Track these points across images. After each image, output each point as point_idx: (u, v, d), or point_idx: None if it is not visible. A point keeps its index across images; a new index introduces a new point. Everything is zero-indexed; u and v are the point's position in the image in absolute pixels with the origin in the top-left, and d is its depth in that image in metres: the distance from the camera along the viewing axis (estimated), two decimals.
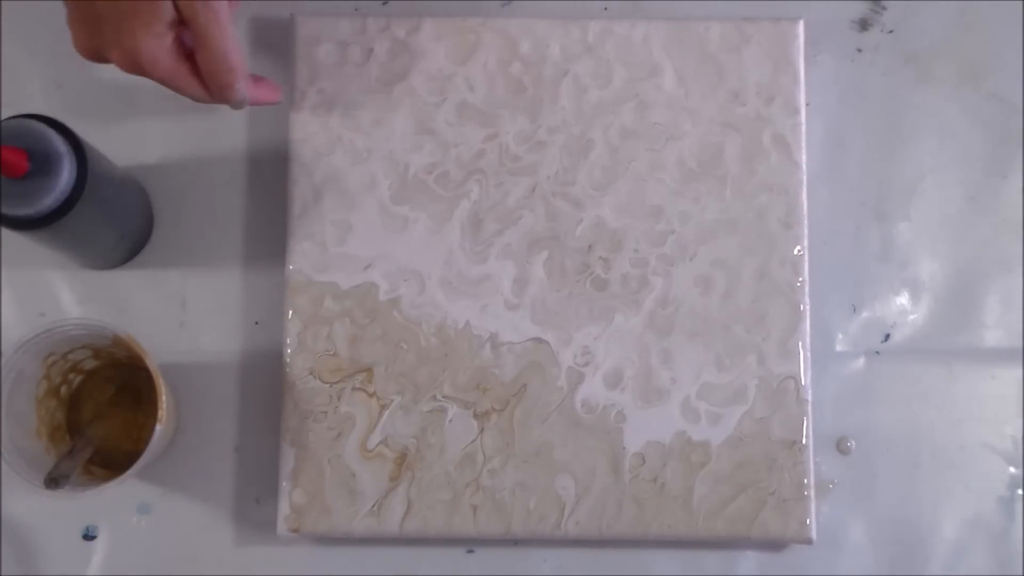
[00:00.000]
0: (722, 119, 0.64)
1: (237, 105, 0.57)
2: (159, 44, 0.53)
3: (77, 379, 0.63)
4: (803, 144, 0.64)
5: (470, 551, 0.64)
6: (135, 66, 0.54)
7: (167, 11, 0.52)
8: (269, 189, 0.66)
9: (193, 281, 0.65)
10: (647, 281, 0.63)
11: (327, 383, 0.62)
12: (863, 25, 0.68)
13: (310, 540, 0.63)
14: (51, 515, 0.63)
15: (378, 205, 0.63)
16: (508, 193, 0.63)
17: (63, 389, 0.62)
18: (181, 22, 0.53)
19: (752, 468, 0.61)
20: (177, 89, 0.56)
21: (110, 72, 0.67)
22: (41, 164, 0.55)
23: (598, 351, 0.62)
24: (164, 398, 0.57)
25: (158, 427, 0.57)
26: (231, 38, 0.54)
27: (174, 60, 0.54)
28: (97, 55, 0.55)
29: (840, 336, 0.66)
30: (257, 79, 0.59)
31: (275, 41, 0.66)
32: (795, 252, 0.63)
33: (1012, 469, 0.65)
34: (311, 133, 0.64)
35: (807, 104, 0.65)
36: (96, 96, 0.67)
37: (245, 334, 0.65)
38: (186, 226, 0.66)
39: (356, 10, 0.68)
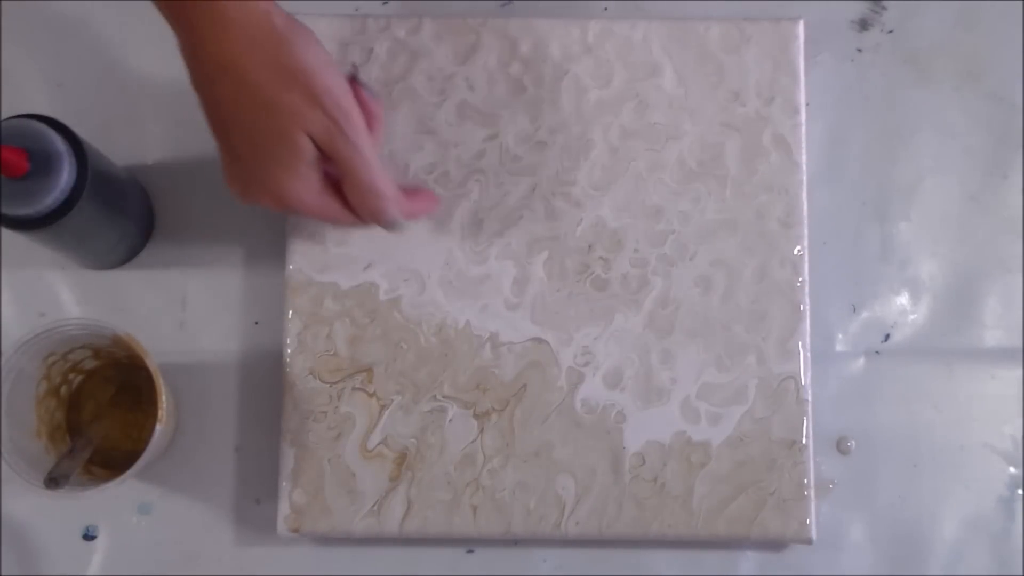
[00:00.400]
0: (722, 119, 0.64)
1: (391, 229, 0.57)
2: (304, 185, 0.53)
3: (77, 379, 0.63)
4: (803, 144, 0.64)
5: (470, 551, 0.64)
6: (285, 207, 0.54)
7: (308, 151, 0.52)
8: None
9: (193, 281, 0.65)
10: (647, 281, 0.63)
11: (327, 383, 0.62)
12: (863, 25, 0.68)
13: (310, 540, 0.64)
14: (51, 515, 0.63)
15: None
16: (508, 193, 0.63)
17: (63, 389, 0.62)
18: (324, 157, 0.53)
19: (752, 468, 0.61)
20: (329, 222, 0.56)
21: (110, 72, 0.67)
22: (41, 164, 0.55)
23: (598, 351, 0.62)
24: (164, 398, 0.57)
25: (158, 427, 0.57)
26: (376, 167, 0.54)
27: (321, 197, 0.54)
28: (250, 198, 0.55)
29: (840, 336, 0.66)
30: (411, 192, 0.59)
31: None
32: (795, 252, 0.63)
33: (1012, 469, 0.65)
34: None
35: (807, 104, 0.65)
36: (96, 96, 0.67)
37: (245, 334, 0.65)
38: (186, 226, 0.66)
39: (356, 10, 0.68)
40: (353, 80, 0.55)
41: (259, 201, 0.55)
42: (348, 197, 0.54)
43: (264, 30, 0.50)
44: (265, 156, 0.52)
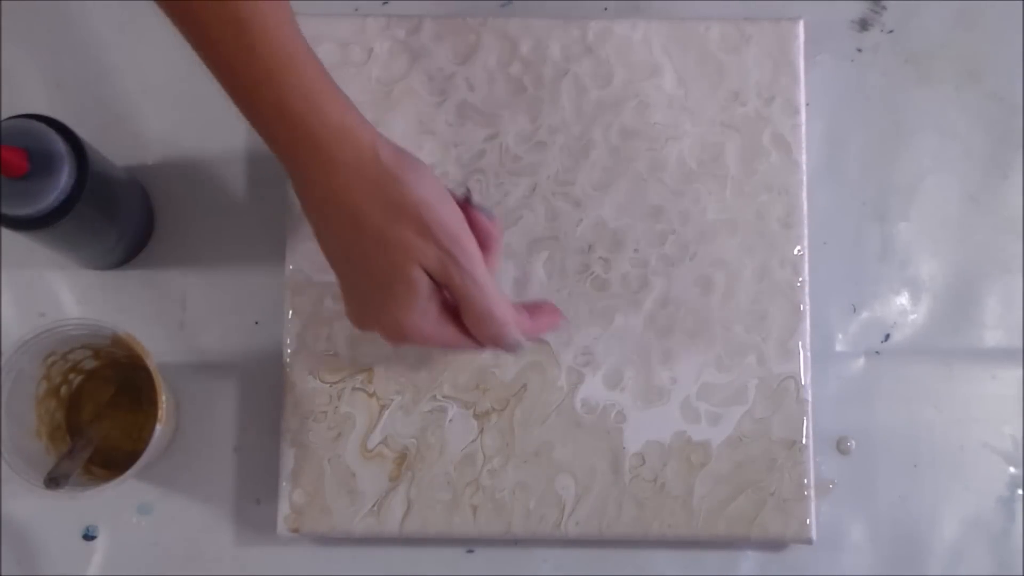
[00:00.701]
0: (722, 119, 0.64)
1: (513, 352, 0.56)
2: (421, 319, 0.52)
3: (77, 379, 0.63)
4: (803, 144, 0.64)
5: (470, 551, 0.63)
6: (403, 340, 0.53)
7: (424, 286, 0.51)
8: (269, 189, 0.66)
9: (193, 281, 0.65)
10: (647, 281, 0.63)
11: (327, 383, 0.62)
12: (863, 25, 0.68)
13: (310, 540, 0.63)
14: (51, 515, 0.63)
15: None
16: (508, 193, 0.63)
17: (63, 389, 0.62)
18: (440, 287, 0.52)
19: (752, 468, 0.61)
20: (448, 348, 0.55)
21: (110, 72, 0.67)
22: (41, 164, 0.55)
23: (598, 351, 0.62)
24: (164, 398, 0.57)
25: (158, 427, 0.57)
26: (492, 294, 0.52)
27: (440, 327, 0.53)
28: (367, 328, 0.54)
29: (840, 336, 0.66)
30: (534, 308, 0.57)
31: None
32: (795, 252, 0.63)
33: (1012, 469, 0.65)
34: None
35: (807, 104, 0.65)
36: (96, 96, 0.67)
37: (245, 334, 0.65)
38: (186, 226, 0.66)
39: (356, 10, 0.68)
40: (467, 202, 0.54)
41: (375, 331, 0.54)
42: (466, 324, 0.53)
43: (371, 167, 0.50)
44: (381, 291, 0.52)
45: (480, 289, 0.52)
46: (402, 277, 0.51)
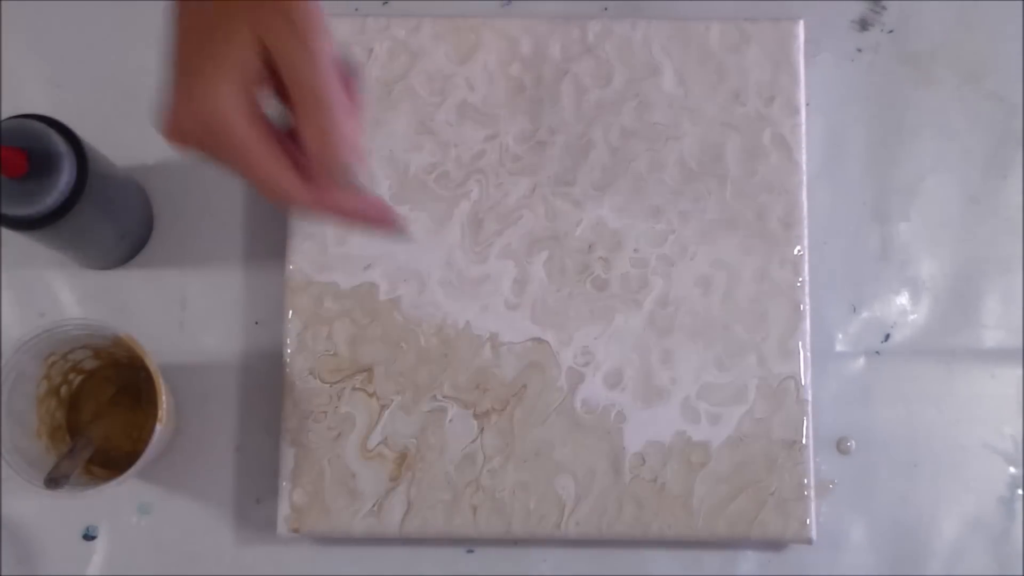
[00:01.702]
0: (722, 119, 0.64)
1: (344, 182, 0.44)
2: (235, 101, 0.42)
3: (77, 379, 0.63)
4: (803, 144, 0.64)
5: (470, 551, 0.63)
6: (209, 131, 0.43)
7: (250, 59, 0.43)
8: None
9: (193, 281, 0.65)
10: (647, 281, 0.63)
11: (327, 383, 0.62)
12: (863, 25, 0.68)
13: (310, 540, 0.63)
14: (51, 515, 0.63)
15: None
16: (508, 193, 0.63)
17: (63, 389, 0.62)
18: (272, 80, 0.43)
19: (752, 468, 0.61)
20: (261, 179, 0.43)
21: (110, 72, 0.67)
22: (41, 164, 0.55)
23: (598, 351, 0.62)
24: (164, 398, 0.57)
25: (158, 427, 0.57)
26: (335, 87, 0.43)
27: (255, 127, 0.43)
28: (176, 123, 0.44)
29: (840, 336, 0.66)
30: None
31: None
32: (795, 252, 0.63)
33: (1012, 469, 0.65)
34: None
35: (807, 104, 0.65)
36: (96, 96, 0.67)
37: (245, 334, 0.65)
38: (186, 226, 0.66)
39: (356, 10, 0.68)
40: (348, 69, 0.47)
41: (184, 125, 0.43)
42: (296, 119, 0.42)
43: None
44: (198, 60, 0.42)
45: (315, 69, 0.42)
46: (228, 39, 0.42)
